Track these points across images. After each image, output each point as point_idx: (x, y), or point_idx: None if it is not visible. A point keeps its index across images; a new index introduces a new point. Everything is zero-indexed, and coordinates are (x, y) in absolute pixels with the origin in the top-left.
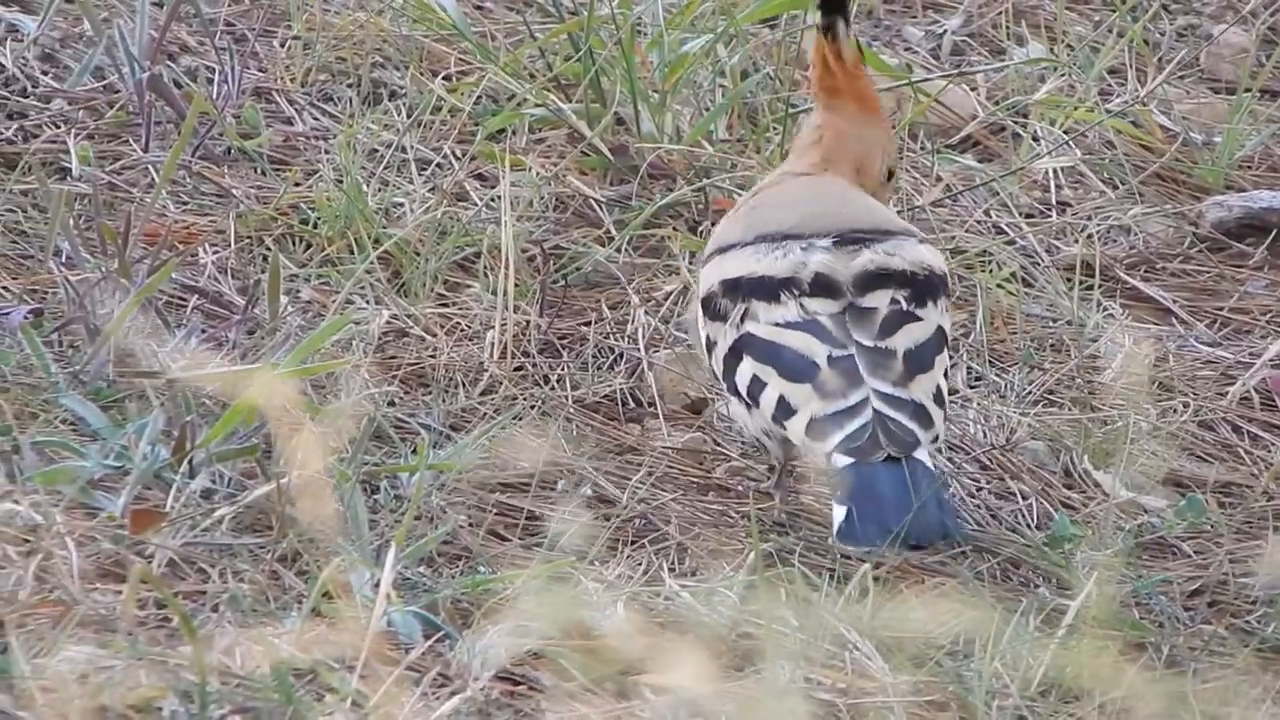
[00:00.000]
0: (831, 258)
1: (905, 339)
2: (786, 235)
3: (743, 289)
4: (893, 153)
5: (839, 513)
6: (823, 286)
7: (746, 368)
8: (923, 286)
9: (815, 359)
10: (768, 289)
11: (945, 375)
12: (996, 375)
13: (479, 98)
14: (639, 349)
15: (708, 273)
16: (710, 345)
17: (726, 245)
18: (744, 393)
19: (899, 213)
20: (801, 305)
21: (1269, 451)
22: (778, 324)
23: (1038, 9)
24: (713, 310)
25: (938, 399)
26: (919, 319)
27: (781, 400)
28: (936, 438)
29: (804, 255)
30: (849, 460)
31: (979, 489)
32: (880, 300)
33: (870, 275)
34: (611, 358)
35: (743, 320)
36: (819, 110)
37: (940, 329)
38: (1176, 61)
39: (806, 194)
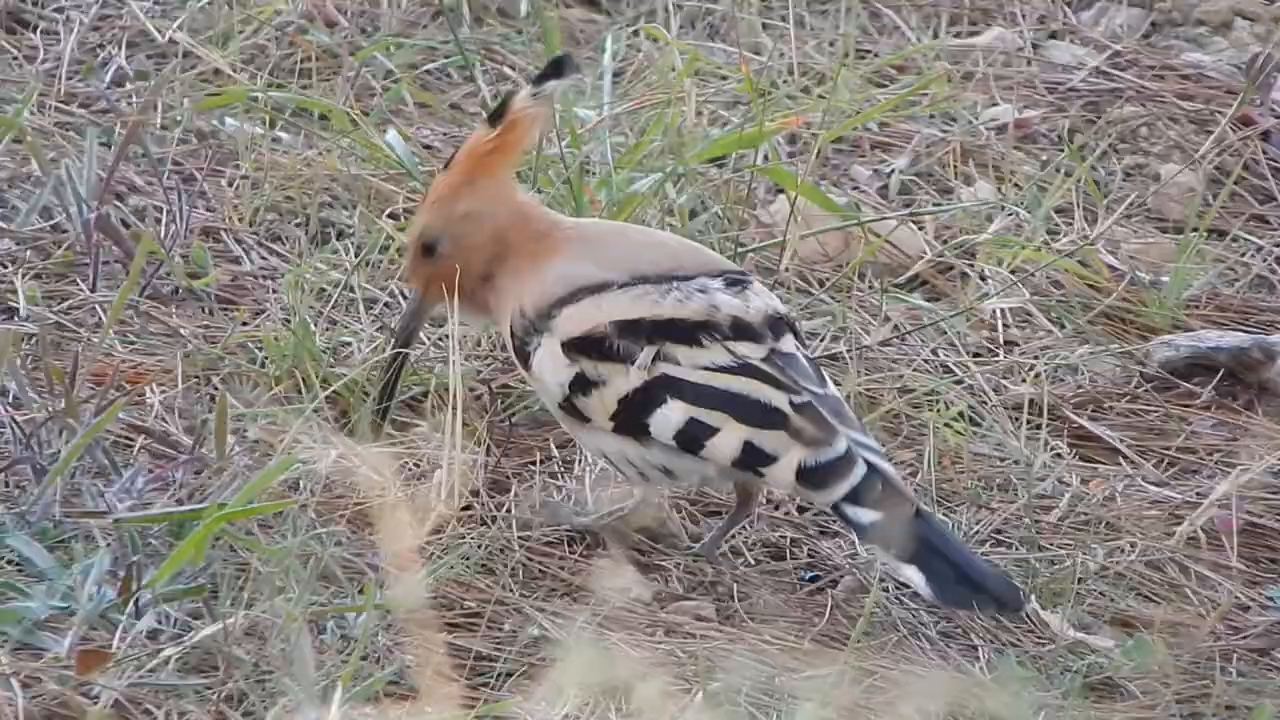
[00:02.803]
0: (733, 299)
1: (833, 388)
2: (669, 276)
3: (645, 330)
4: None
5: (913, 574)
6: (740, 330)
7: (674, 410)
8: (795, 331)
9: (775, 404)
10: (683, 332)
11: None
12: (944, 514)
13: None
14: (585, 488)
15: (582, 311)
16: (589, 384)
17: (595, 284)
18: (663, 434)
19: (847, 352)
20: (728, 349)
21: (1216, 591)
22: (707, 368)
23: (985, 148)
24: (602, 350)
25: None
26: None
27: (750, 446)
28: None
29: (707, 297)
30: (874, 515)
31: (924, 626)
32: (790, 345)
33: (771, 319)
34: (559, 497)
35: (654, 362)
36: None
37: None
38: (1128, 203)
39: (637, 234)
